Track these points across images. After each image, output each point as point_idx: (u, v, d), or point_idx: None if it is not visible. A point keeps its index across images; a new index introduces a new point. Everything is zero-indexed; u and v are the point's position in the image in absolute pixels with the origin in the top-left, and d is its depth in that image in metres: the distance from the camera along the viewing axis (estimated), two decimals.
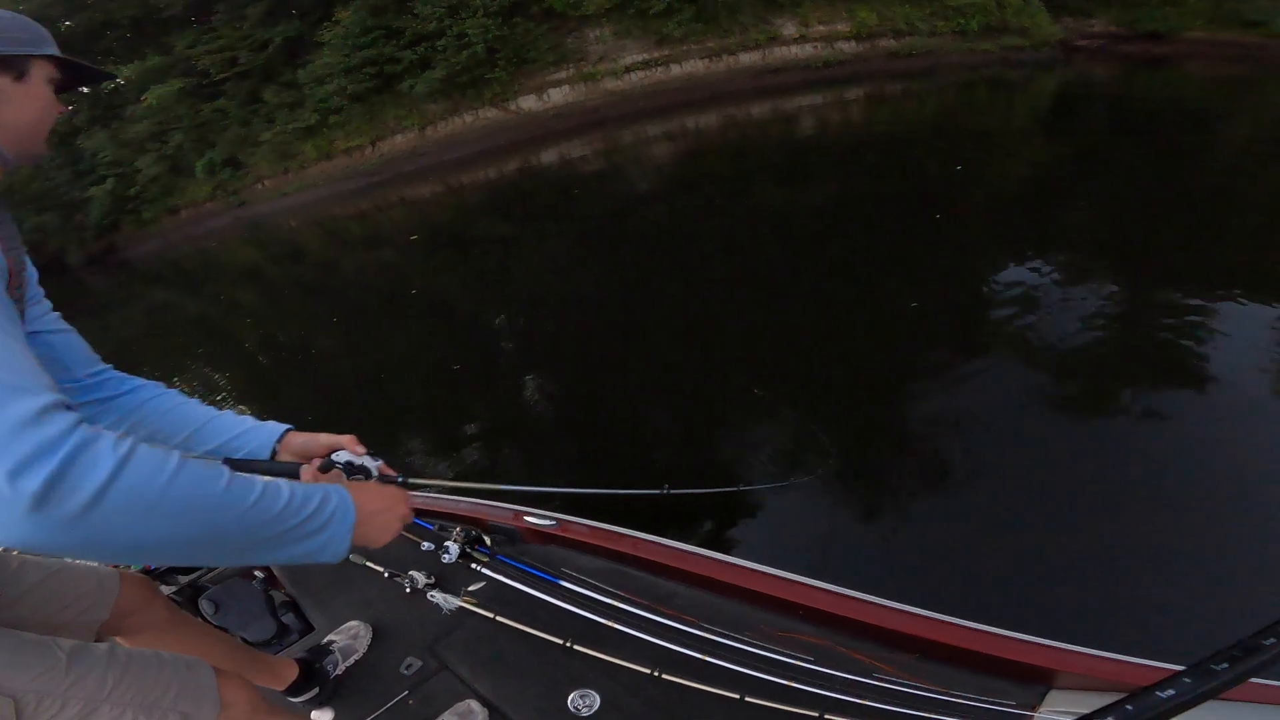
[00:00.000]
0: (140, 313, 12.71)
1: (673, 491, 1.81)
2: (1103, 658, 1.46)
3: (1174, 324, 4.16)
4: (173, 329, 10.21)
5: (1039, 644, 1.56)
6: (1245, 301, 4.22)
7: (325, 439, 1.38)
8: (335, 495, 1.01)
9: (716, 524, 3.46)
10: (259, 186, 21.82)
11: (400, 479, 1.39)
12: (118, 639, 1.57)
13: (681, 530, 3.30)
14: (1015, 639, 1.58)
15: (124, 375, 1.41)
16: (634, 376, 5.25)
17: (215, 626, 2.15)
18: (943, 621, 1.64)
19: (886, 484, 3.70)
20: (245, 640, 2.14)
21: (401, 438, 5.14)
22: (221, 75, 21.76)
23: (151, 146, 22.56)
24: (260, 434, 1.42)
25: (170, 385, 1.42)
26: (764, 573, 1.90)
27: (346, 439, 1.39)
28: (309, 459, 1.38)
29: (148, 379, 1.43)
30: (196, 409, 1.42)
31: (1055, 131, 9.35)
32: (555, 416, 5.17)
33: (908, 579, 2.88)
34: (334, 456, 1.35)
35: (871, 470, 3.78)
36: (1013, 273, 5.19)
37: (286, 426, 1.43)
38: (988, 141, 9.35)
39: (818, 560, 3.08)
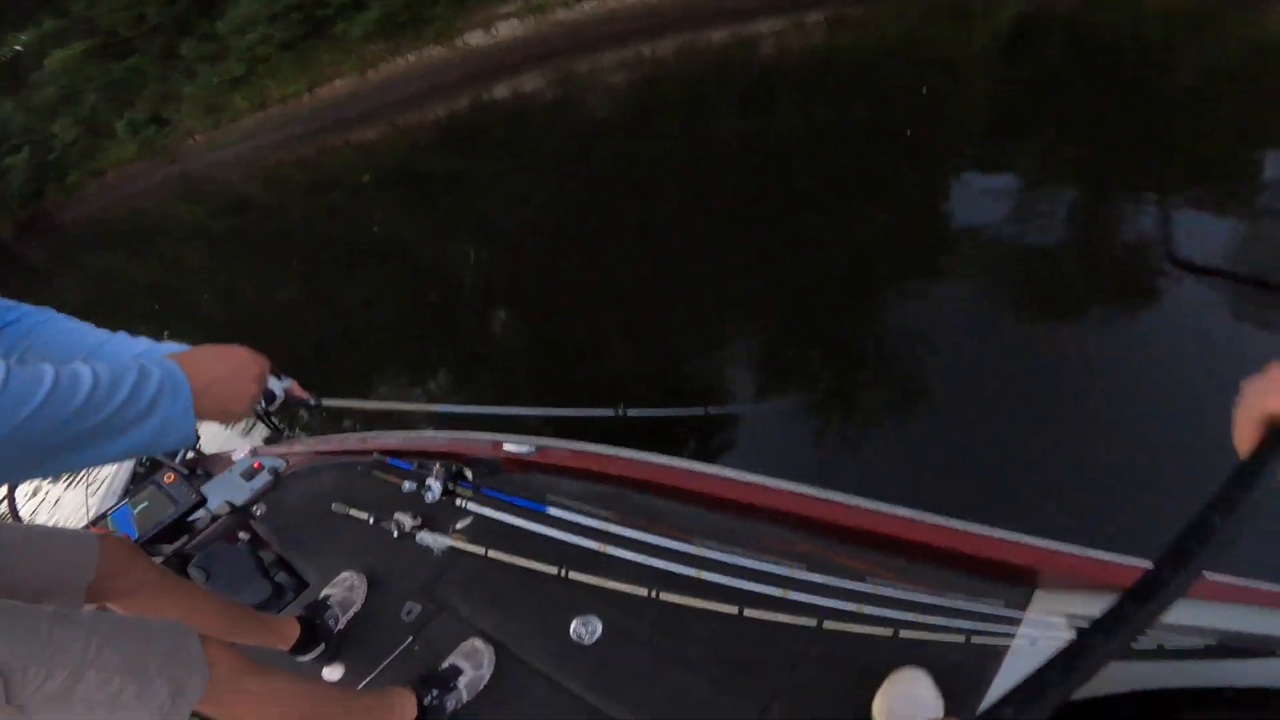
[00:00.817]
0: (86, 280, 12.14)
1: (628, 413, 1.75)
2: (1087, 557, 1.46)
3: (1133, 237, 4.23)
4: (124, 295, 9.77)
5: (1025, 544, 1.55)
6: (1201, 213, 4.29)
7: None
8: (157, 372, 0.91)
9: (695, 447, 3.45)
10: (190, 142, 20.81)
11: (313, 401, 1.31)
12: (111, 605, 1.53)
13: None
14: (1001, 539, 1.58)
15: (10, 303, 1.31)
16: (602, 305, 5.16)
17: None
18: (932, 524, 1.63)
19: (860, 399, 3.70)
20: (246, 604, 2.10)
21: (375, 376, 5.04)
22: (131, 33, 20.64)
23: (64, 111, 21.66)
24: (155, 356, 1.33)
25: None
26: (755, 484, 1.87)
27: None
28: None
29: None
30: (90, 333, 1.34)
31: (1016, 58, 9.21)
32: (526, 346, 5.12)
33: (887, 489, 2.94)
34: None
35: (844, 386, 3.77)
36: (979, 191, 5.18)
37: (182, 347, 1.33)
38: (951, 67, 9.17)
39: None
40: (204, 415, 0.96)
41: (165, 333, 7.36)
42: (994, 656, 1.50)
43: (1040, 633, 1.48)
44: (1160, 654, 1.37)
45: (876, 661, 1.55)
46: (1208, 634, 1.33)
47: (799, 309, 4.43)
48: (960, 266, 4.42)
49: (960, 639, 1.52)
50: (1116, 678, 1.43)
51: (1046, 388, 3.27)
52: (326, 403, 1.37)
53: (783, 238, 5.20)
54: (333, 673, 1.96)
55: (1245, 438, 0.64)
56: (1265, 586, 1.34)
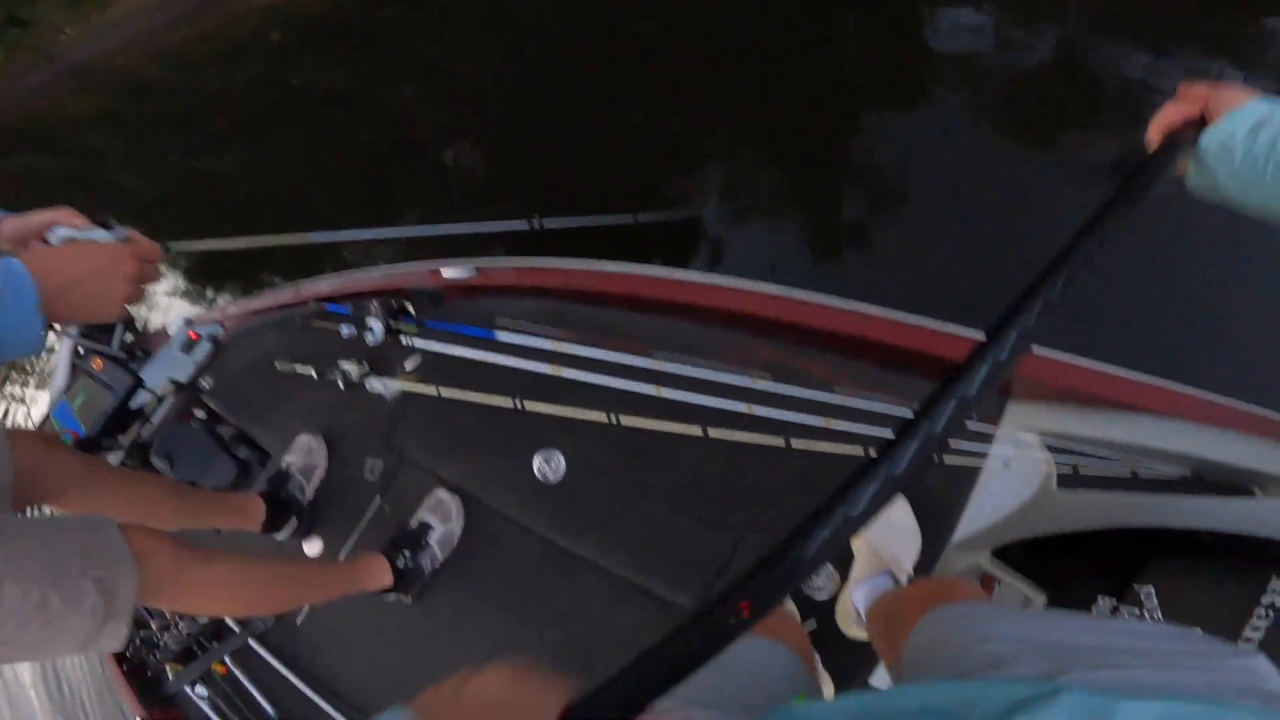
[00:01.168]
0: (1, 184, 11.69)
1: (544, 224, 1.51)
2: (1059, 363, 1.30)
3: (1115, 74, 3.43)
4: (45, 191, 9.36)
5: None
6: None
7: (38, 218, 1.02)
8: None
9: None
10: (62, 37, 19.15)
11: (164, 248, 1.04)
12: (51, 507, 1.43)
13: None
14: (970, 338, 1.38)
15: None
16: (560, 130, 4.61)
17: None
18: (898, 321, 1.43)
19: (815, 206, 3.33)
20: (215, 487, 1.99)
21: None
22: None
23: None
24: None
25: None
26: (711, 285, 1.62)
27: (61, 212, 1.03)
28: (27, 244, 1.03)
29: None
30: None
31: None
32: (486, 182, 4.65)
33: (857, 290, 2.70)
34: (48, 236, 0.99)
35: (793, 195, 3.39)
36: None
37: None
38: None
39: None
40: (66, 315, 0.88)
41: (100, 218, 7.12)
42: (967, 478, 1.36)
43: (1013, 452, 1.34)
44: (1134, 483, 1.31)
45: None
46: (1182, 461, 1.27)
47: (764, 123, 3.88)
48: (937, 84, 3.79)
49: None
50: (1091, 512, 1.33)
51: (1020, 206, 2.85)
52: (175, 245, 1.12)
53: (752, 53, 4.42)
54: (312, 547, 1.87)
55: (1152, 142, 0.88)
56: (1242, 407, 1.25)
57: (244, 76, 8.61)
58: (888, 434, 1.41)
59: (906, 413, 1.38)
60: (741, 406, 1.53)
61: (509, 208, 4.20)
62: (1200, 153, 0.82)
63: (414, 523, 1.72)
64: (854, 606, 1.34)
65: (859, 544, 1.38)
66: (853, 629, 1.36)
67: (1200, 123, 0.85)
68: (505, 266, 1.81)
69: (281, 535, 1.85)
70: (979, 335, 1.37)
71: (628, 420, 1.59)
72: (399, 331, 1.88)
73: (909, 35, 4.05)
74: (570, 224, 1.71)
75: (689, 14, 5.07)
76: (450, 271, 1.83)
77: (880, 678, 1.32)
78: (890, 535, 1.34)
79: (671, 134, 4.12)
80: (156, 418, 2.09)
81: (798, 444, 1.48)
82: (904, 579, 1.32)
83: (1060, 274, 0.56)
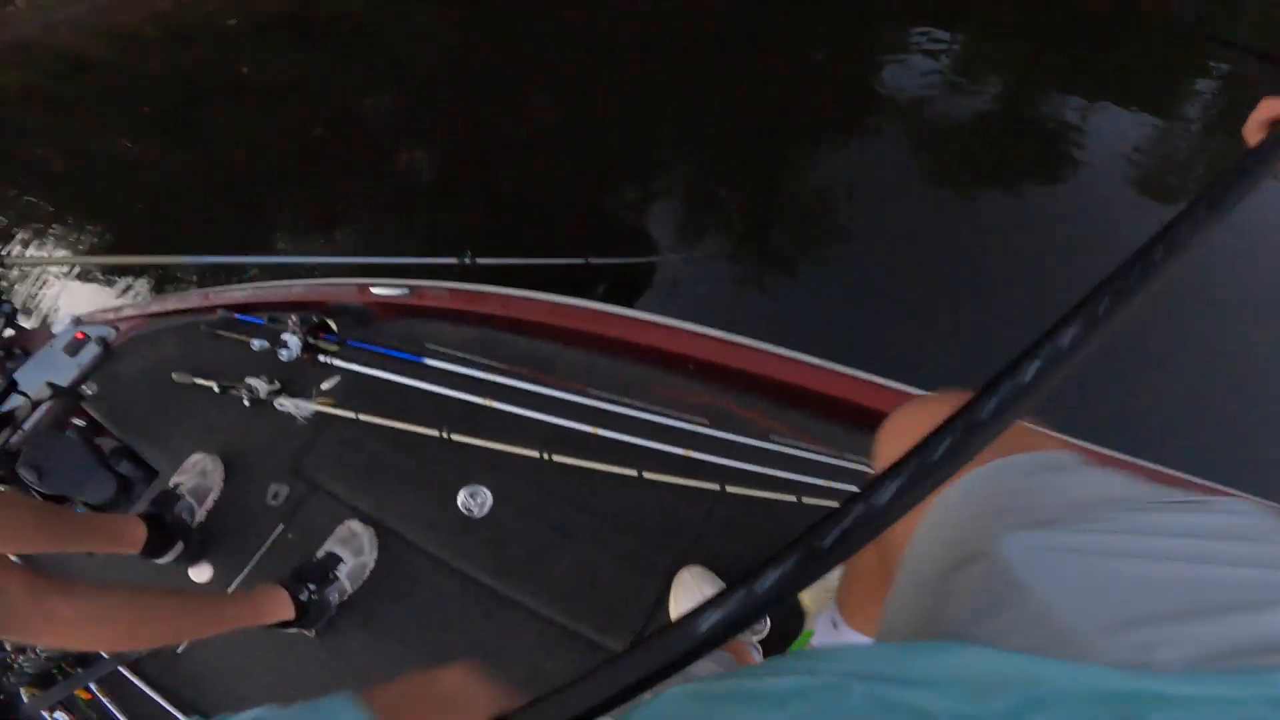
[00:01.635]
0: None
1: (477, 261, 1.48)
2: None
3: (1056, 120, 3.78)
4: None
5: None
6: (1124, 109, 3.83)
7: None
8: None
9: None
10: (9, 9, 18.04)
11: None
12: None
13: None
14: (908, 393, 1.44)
15: None
16: (515, 144, 4.57)
17: (42, 496, 1.79)
18: (835, 373, 1.47)
19: (771, 247, 3.40)
20: (89, 505, 1.81)
21: (257, 223, 4.48)
22: None
23: None
24: None
25: None
26: (650, 322, 1.61)
27: None
28: None
29: None
30: None
31: None
32: (434, 187, 4.54)
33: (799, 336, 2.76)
34: None
35: (755, 235, 3.44)
36: (914, 53, 4.53)
37: None
38: None
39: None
40: None
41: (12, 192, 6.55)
42: None
43: None
44: None
45: (783, 529, 1.42)
46: None
47: (722, 157, 3.99)
48: (890, 127, 4.02)
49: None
50: None
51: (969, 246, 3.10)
52: (11, 261, 1.00)
53: (712, 83, 4.56)
54: (200, 573, 1.71)
55: (1252, 137, 0.81)
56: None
57: (190, 59, 8.17)
58: (822, 483, 1.43)
59: (843, 463, 1.37)
60: (678, 450, 1.51)
61: (453, 216, 4.13)
62: None
63: (321, 554, 1.60)
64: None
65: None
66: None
67: None
68: (441, 288, 1.72)
69: (165, 560, 1.68)
70: (915, 390, 1.40)
71: (560, 458, 1.53)
72: (318, 349, 1.75)
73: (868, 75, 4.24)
74: (500, 263, 1.67)
75: (666, 24, 5.14)
76: (381, 290, 1.73)
77: None
78: None
79: (628, 156, 4.14)
80: (29, 424, 1.86)
81: (733, 489, 1.46)
82: None
83: (1121, 284, 0.47)
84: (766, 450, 1.48)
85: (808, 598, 1.36)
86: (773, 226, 3.46)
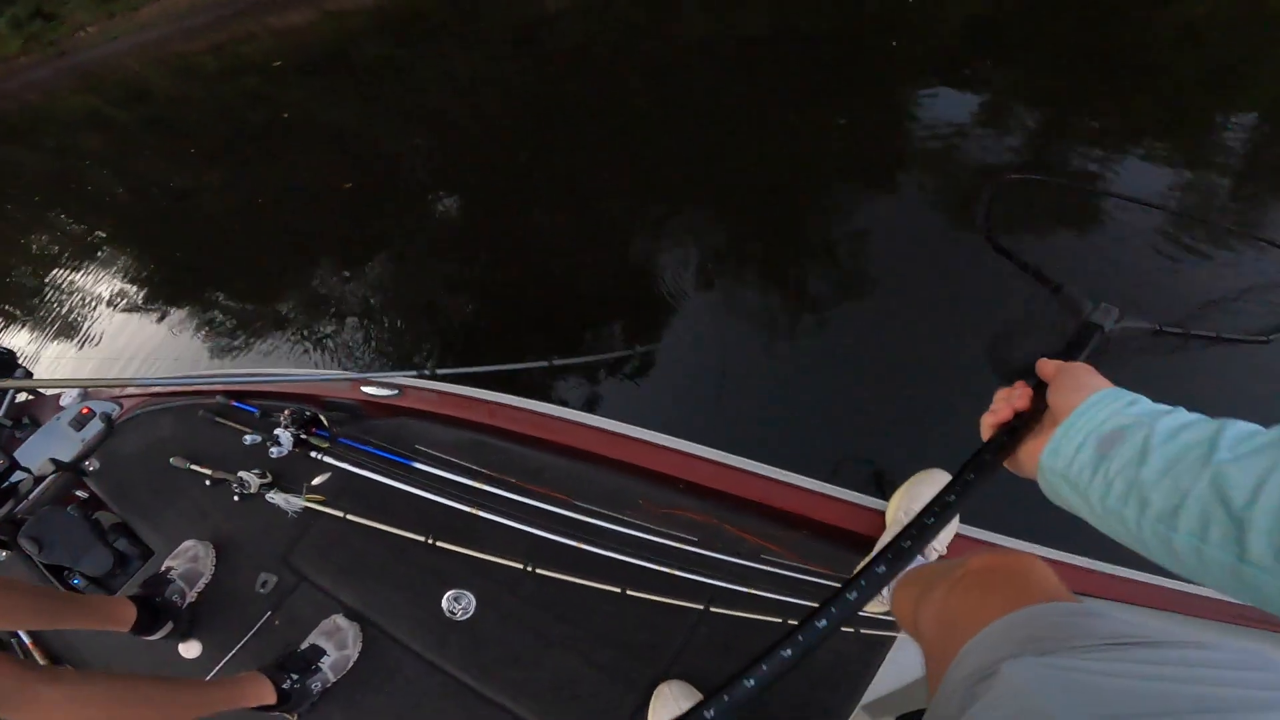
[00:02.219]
0: None
1: (438, 372, 1.51)
2: (974, 539, 1.37)
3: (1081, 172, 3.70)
4: (20, 186, 8.73)
5: None
6: (1151, 161, 3.75)
7: None
8: None
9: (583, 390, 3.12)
10: (81, 34, 18.49)
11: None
12: None
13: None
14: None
15: None
16: (549, 191, 4.62)
17: (43, 567, 1.88)
18: (832, 498, 1.48)
19: (774, 329, 3.31)
20: (86, 575, 1.87)
21: (284, 279, 4.55)
22: None
23: None
24: None
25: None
26: (641, 440, 1.63)
27: None
28: None
29: None
30: None
31: None
32: (462, 238, 4.58)
33: (802, 443, 2.65)
34: None
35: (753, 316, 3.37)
36: (943, 107, 4.50)
37: None
38: None
39: (697, 421, 2.83)
40: None
41: (71, 222, 6.68)
42: (881, 647, 1.41)
43: None
44: None
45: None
46: None
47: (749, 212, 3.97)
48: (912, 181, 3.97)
49: (850, 630, 1.42)
50: None
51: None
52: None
53: (745, 136, 4.57)
54: (189, 650, 1.76)
55: (985, 433, 0.80)
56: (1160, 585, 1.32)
57: (240, 92, 8.35)
58: (812, 604, 1.46)
59: (828, 584, 1.40)
60: (664, 568, 1.54)
61: (478, 261, 4.19)
62: (1042, 474, 0.69)
63: (305, 645, 1.65)
64: None
65: (893, 511, 1.37)
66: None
67: (1031, 414, 0.74)
68: (429, 391, 1.77)
69: (152, 637, 1.73)
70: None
71: (544, 571, 1.57)
72: (310, 445, 1.80)
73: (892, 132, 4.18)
74: (468, 371, 1.72)
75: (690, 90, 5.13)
76: (371, 389, 1.78)
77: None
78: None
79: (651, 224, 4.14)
80: (33, 496, 1.93)
81: (718, 610, 1.49)
82: (933, 557, 1.30)
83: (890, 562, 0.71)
84: (757, 570, 1.50)
85: (894, 524, 1.40)
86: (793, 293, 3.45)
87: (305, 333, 4.05)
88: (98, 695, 1.30)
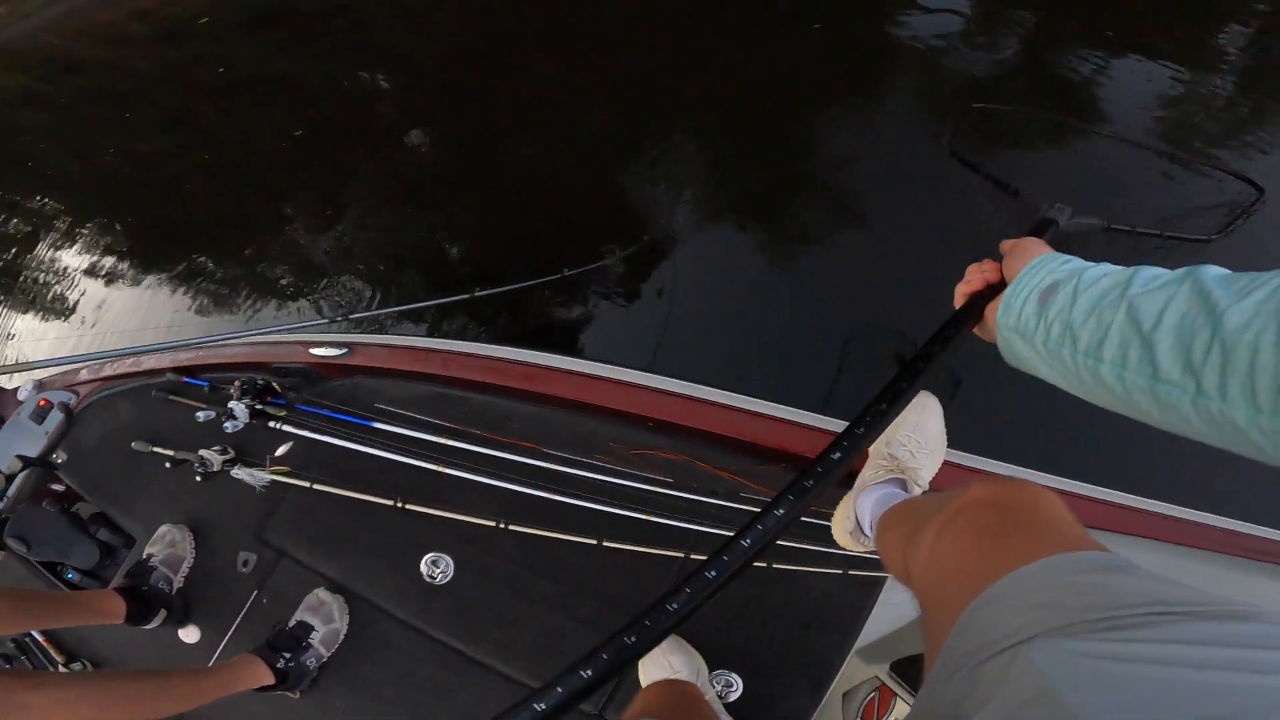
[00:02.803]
0: None
1: (350, 316, 1.36)
2: (964, 466, 1.28)
3: (1074, 78, 3.25)
4: None
5: None
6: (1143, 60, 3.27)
7: None
8: None
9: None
10: None
11: None
12: None
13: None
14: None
15: None
16: (522, 119, 4.27)
17: (37, 565, 1.86)
18: (810, 427, 1.35)
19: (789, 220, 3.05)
20: (78, 569, 1.85)
21: (249, 236, 4.37)
22: None
23: None
24: None
25: None
26: (607, 379, 1.50)
27: None
28: None
29: None
30: None
31: None
32: (439, 174, 4.31)
33: (779, 370, 2.45)
34: None
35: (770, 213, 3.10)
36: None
37: None
38: None
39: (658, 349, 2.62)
40: None
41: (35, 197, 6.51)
42: (871, 592, 1.31)
43: None
44: None
45: (750, 597, 1.35)
46: None
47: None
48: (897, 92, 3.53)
49: (838, 570, 1.32)
50: None
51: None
52: None
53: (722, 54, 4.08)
54: (189, 635, 1.74)
55: (957, 303, 0.84)
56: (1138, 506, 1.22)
57: (181, 55, 7.88)
58: (793, 545, 1.34)
59: (817, 521, 1.28)
60: (640, 514, 1.43)
61: (450, 198, 3.95)
62: (999, 330, 0.74)
63: (293, 623, 1.60)
64: (854, 515, 1.20)
65: (874, 444, 1.26)
66: (845, 539, 1.25)
67: (1000, 287, 0.78)
68: (378, 345, 1.62)
69: (152, 625, 1.70)
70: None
71: (517, 527, 1.48)
72: (268, 415, 1.69)
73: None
74: (390, 311, 1.56)
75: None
76: (320, 350, 1.64)
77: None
78: (914, 439, 1.20)
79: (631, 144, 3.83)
80: (8, 496, 1.88)
81: (700, 556, 1.40)
82: (916, 492, 1.20)
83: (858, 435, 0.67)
84: (736, 510, 1.39)
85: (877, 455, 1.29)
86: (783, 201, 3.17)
87: (268, 290, 3.91)
88: (90, 694, 1.30)
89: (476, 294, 1.82)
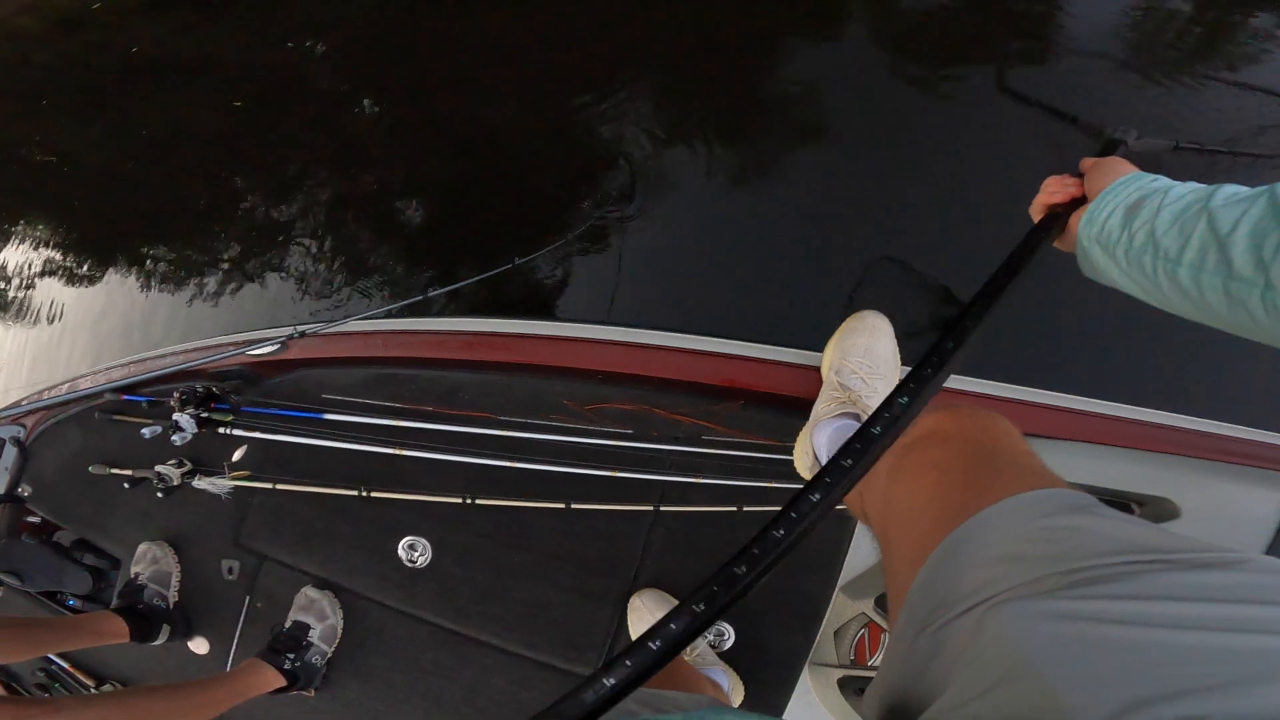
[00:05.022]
0: None
1: (305, 333, 1.28)
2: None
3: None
4: None
5: None
6: None
7: None
8: None
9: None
10: None
11: None
12: None
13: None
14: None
15: None
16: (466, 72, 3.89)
17: (38, 596, 1.87)
18: (762, 360, 1.30)
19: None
20: (76, 595, 1.86)
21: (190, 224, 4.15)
22: None
23: None
24: None
25: None
26: (546, 336, 1.44)
27: None
28: None
29: None
30: None
31: None
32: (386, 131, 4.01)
33: (726, 303, 2.31)
34: None
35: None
36: None
37: None
38: None
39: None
40: None
41: None
42: (847, 527, 1.27)
43: None
44: None
45: (725, 543, 1.34)
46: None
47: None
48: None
49: None
50: None
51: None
52: None
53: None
54: (199, 646, 1.77)
55: (1035, 216, 0.86)
56: (1109, 412, 1.17)
57: (81, 45, 7.21)
58: (763, 485, 1.30)
59: (781, 455, 1.24)
60: (605, 471, 1.39)
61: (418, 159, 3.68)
62: (1079, 241, 0.77)
63: (289, 624, 1.61)
64: (812, 448, 1.20)
65: (826, 373, 1.24)
66: (808, 475, 1.25)
67: (1081, 201, 0.80)
68: (315, 334, 1.53)
69: (159, 642, 1.72)
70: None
71: (484, 500, 1.44)
72: (215, 422, 1.62)
73: None
74: (339, 325, 1.47)
75: None
76: (256, 350, 1.56)
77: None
78: (865, 364, 1.18)
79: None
80: None
81: (669, 507, 1.36)
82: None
83: (947, 353, 0.60)
84: (700, 454, 1.34)
85: (829, 386, 1.27)
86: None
87: (213, 284, 3.76)
88: (107, 714, 1.32)
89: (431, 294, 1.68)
